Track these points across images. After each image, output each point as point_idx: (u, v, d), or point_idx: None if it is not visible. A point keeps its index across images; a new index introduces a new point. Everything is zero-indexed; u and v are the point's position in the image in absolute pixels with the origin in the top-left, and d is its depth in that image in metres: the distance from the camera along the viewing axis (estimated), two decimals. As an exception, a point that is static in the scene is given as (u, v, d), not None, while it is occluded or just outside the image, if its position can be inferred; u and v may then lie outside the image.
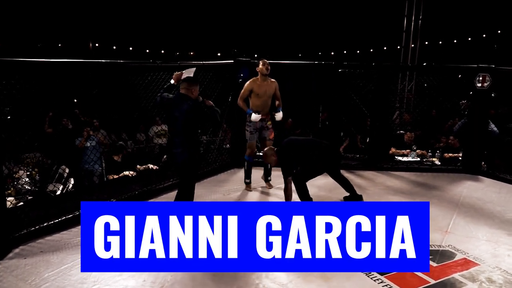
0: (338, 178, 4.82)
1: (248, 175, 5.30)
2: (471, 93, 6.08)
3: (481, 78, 5.90)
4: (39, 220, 3.88)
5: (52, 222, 3.92)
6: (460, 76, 7.12)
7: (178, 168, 3.99)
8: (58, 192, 5.45)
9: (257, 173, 5.49)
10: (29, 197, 5.12)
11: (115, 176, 6.00)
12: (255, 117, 4.98)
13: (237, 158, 6.03)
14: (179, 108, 3.80)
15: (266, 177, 5.43)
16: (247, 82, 5.11)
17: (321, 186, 5.22)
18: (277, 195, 5.15)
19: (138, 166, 6.30)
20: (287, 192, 4.46)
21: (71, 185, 5.79)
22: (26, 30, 15.79)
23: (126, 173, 6.00)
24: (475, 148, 6.16)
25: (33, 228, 3.78)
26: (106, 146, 6.78)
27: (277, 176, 5.26)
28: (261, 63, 5.05)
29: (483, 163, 6.21)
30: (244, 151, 5.33)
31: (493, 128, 6.26)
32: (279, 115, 5.13)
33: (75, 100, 9.36)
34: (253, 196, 5.12)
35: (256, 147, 5.38)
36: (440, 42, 17.25)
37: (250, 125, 5.11)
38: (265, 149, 4.75)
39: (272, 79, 5.15)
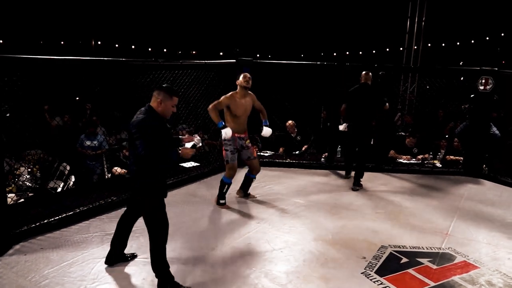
0: (358, 155, 5.45)
1: (224, 196, 4.68)
2: (472, 96, 6.06)
3: (483, 81, 5.89)
4: (40, 217, 3.90)
5: (52, 219, 3.93)
6: (462, 78, 7.10)
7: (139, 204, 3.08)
8: (59, 190, 5.45)
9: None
10: (30, 194, 5.12)
11: (120, 171, 5.95)
12: (227, 133, 4.38)
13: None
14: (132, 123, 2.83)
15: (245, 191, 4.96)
16: (224, 96, 4.52)
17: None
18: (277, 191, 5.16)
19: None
20: None
21: (71, 183, 5.79)
22: (28, 27, 15.84)
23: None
24: (477, 151, 6.15)
25: (33, 225, 3.79)
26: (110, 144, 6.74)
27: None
28: (241, 75, 4.54)
29: (484, 166, 6.20)
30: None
31: (495, 131, 6.25)
32: (267, 131, 4.61)
33: (77, 98, 9.39)
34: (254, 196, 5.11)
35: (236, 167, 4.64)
36: (443, 44, 17.23)
37: (229, 143, 4.51)
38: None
39: (249, 92, 4.60)
